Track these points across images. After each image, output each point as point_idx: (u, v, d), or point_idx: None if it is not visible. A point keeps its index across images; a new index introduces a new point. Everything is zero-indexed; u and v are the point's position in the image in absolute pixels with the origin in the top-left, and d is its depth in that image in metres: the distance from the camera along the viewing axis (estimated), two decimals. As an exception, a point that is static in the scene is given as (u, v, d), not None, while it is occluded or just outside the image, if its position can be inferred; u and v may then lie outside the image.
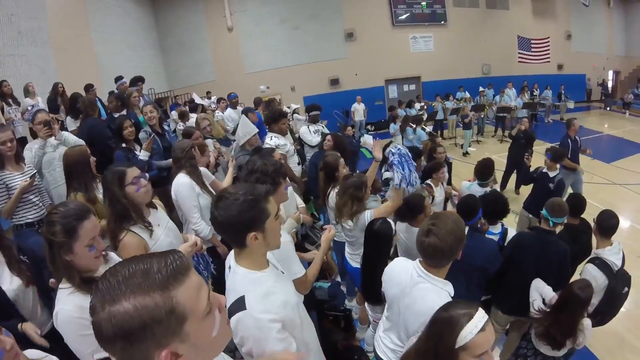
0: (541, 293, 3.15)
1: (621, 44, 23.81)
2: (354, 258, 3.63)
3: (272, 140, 5.06)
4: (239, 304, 1.61)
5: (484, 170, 5.05)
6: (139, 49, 11.75)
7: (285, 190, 2.61)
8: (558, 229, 3.47)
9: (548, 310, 2.97)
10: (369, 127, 14.92)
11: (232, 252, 1.81)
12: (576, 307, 2.83)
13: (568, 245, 3.40)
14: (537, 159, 10.79)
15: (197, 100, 9.51)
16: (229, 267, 1.82)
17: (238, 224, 1.61)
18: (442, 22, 16.45)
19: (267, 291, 1.68)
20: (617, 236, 7.17)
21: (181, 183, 3.23)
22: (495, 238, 3.62)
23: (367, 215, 3.27)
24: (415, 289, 2.04)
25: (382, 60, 15.34)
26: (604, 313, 3.37)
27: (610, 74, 23.39)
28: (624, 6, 23.47)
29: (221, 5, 13.54)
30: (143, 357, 0.81)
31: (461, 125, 12.78)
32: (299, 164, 5.53)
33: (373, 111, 14.84)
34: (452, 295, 2.03)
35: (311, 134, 6.79)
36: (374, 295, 2.67)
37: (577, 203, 4.00)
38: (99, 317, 0.78)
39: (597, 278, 3.22)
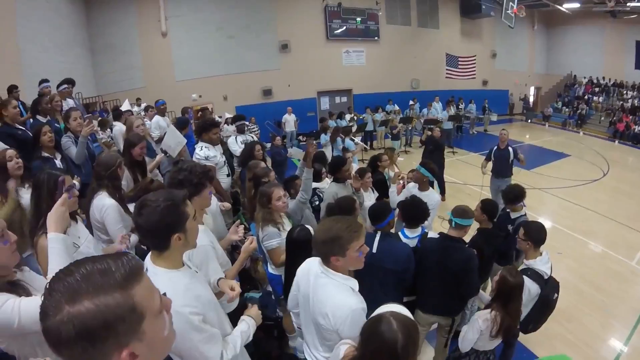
0: (481, 299, 3.51)
1: (542, 63, 26.10)
2: (271, 264, 3.81)
3: (202, 150, 4.97)
4: None
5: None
6: (67, 49, 11.06)
7: (209, 195, 2.67)
8: (463, 234, 3.57)
9: (494, 308, 3.06)
10: (300, 137, 15.25)
11: (148, 256, 1.87)
12: (518, 294, 3.06)
13: (482, 247, 3.73)
14: (460, 168, 11.98)
15: (126, 106, 9.23)
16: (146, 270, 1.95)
17: (162, 227, 1.74)
18: (375, 37, 17.23)
19: (185, 287, 1.80)
20: None
21: (108, 205, 3.11)
22: (414, 242, 3.72)
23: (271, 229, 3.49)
24: (317, 287, 2.17)
25: (315, 72, 15.94)
26: (537, 321, 3.58)
27: (532, 89, 25.62)
28: (546, 29, 25.83)
29: (156, 9, 13.24)
30: (102, 358, 0.82)
31: (390, 137, 13.71)
32: (228, 175, 5.49)
33: (305, 122, 15.18)
34: (356, 289, 2.15)
35: (238, 144, 6.98)
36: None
37: (491, 209, 4.25)
38: (55, 319, 0.77)
39: (530, 288, 3.36)
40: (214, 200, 3.57)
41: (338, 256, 2.05)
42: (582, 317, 5.74)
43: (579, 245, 8.04)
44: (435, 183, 7.18)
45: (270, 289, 4.15)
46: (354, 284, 2.15)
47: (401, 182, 5.56)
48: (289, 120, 13.99)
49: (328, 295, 2.09)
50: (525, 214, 4.90)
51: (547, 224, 8.61)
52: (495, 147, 7.71)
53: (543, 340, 4.98)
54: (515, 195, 4.84)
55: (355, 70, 16.98)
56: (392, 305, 1.72)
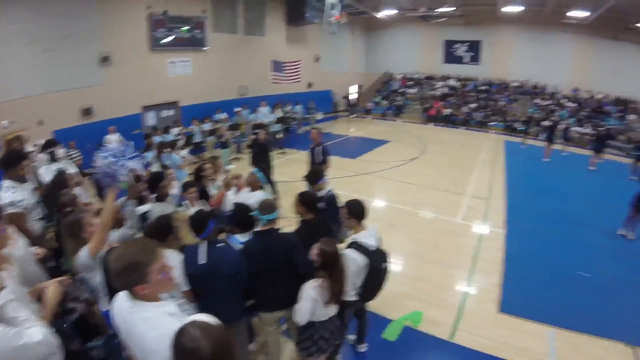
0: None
1: (363, 63, 29.66)
2: (100, 299, 3.56)
3: (7, 193, 4.24)
4: None
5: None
6: None
7: (2, 232, 2.44)
8: (275, 224, 3.71)
9: (320, 276, 3.29)
10: None
11: None
12: (336, 261, 3.31)
13: (306, 238, 3.70)
14: (292, 166, 13.36)
15: None
16: None
17: None
18: (202, 46, 17.03)
19: None
20: (376, 213, 8.82)
21: None
22: (240, 247, 3.74)
23: (85, 251, 3.21)
24: (133, 324, 1.99)
25: (139, 86, 14.94)
26: (371, 289, 3.85)
27: (354, 87, 28.65)
28: (365, 34, 29.46)
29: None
30: None
31: (219, 146, 14.02)
32: (41, 218, 4.77)
33: (130, 141, 12.85)
34: (176, 311, 2.05)
35: (51, 174, 6.39)
36: None
37: (309, 200, 4.34)
38: None
39: (357, 259, 3.62)
40: (21, 244, 3.29)
41: (141, 284, 1.92)
42: (426, 274, 6.64)
43: (411, 216, 9.39)
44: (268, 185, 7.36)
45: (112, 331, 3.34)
46: (171, 307, 2.05)
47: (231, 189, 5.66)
48: (112, 141, 12.31)
49: (146, 329, 1.93)
50: (330, 190, 5.36)
51: (380, 203, 10.38)
52: (312, 145, 8.40)
53: (395, 303, 5.59)
54: (316, 175, 5.38)
55: (182, 80, 16.67)
56: (196, 315, 1.70)
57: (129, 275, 1.92)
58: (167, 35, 15.80)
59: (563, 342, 5.16)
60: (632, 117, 22.53)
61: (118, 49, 14.24)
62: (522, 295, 6.18)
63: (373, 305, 4.86)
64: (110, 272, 1.94)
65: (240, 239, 3.89)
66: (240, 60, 19.09)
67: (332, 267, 3.28)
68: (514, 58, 26.59)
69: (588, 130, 21.34)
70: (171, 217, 3.66)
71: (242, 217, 4.01)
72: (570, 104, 24.13)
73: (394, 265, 6.38)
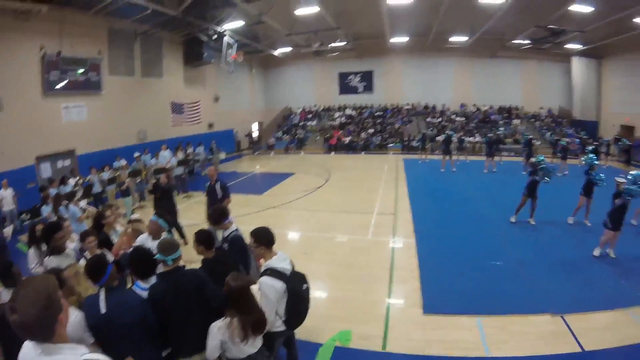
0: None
1: (262, 100, 30.95)
2: None
3: None
4: None
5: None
6: None
7: None
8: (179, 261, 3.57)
9: (228, 314, 3.22)
10: (24, 215, 12.90)
11: None
12: (246, 295, 3.23)
13: (208, 276, 3.60)
14: (198, 209, 12.05)
15: None
16: None
17: None
18: (98, 90, 16.43)
19: None
20: (288, 244, 8.99)
21: None
22: (145, 293, 3.45)
23: None
24: None
25: (32, 134, 13.70)
26: (297, 313, 3.73)
27: (255, 125, 29.47)
28: (263, 71, 30.86)
29: None
30: None
31: (120, 195, 13.25)
32: None
33: (26, 196, 12.75)
34: (90, 355, 1.88)
35: None
36: None
37: (205, 238, 4.20)
38: None
39: (274, 285, 3.52)
40: None
41: (60, 314, 1.80)
42: (347, 294, 6.72)
43: (323, 241, 9.59)
44: (174, 229, 7.43)
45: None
46: (85, 350, 1.91)
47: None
48: (6, 197, 11.83)
49: None
50: (236, 229, 5.07)
51: (291, 234, 10.49)
52: (208, 183, 8.43)
53: (322, 327, 5.57)
54: (218, 215, 5.07)
55: (77, 127, 15.59)
56: (89, 355, 1.68)
57: (52, 307, 1.76)
58: (62, 79, 14.80)
59: (491, 327, 5.57)
60: (516, 121, 27.17)
61: (8, 94, 13.02)
62: (443, 293, 6.55)
63: (300, 332, 4.58)
64: (29, 320, 1.69)
65: (143, 285, 3.57)
66: (138, 104, 18.70)
67: (241, 302, 3.23)
68: (404, 83, 30.23)
69: (478, 139, 24.94)
70: (62, 270, 3.46)
71: (137, 262, 3.68)
72: (459, 119, 27.49)
73: (314, 290, 6.06)
